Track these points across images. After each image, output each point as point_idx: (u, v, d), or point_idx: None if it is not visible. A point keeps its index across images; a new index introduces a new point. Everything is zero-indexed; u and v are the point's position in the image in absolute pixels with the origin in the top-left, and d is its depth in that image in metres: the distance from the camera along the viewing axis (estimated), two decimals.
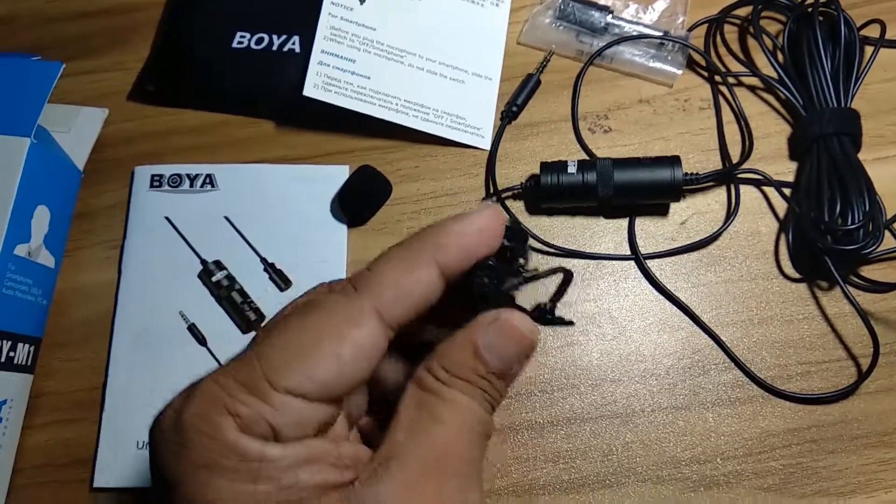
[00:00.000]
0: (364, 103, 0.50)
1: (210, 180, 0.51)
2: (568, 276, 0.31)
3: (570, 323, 0.31)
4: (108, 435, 0.46)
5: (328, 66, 0.50)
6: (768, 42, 0.52)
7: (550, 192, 0.48)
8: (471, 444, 0.28)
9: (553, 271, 0.30)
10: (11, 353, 0.45)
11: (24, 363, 0.46)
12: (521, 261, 0.30)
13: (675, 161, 0.48)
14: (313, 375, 0.26)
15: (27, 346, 0.46)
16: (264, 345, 0.27)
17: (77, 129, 0.52)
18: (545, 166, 0.49)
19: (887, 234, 0.47)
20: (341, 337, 0.27)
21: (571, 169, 0.48)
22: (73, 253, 0.50)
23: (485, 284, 0.29)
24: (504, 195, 0.50)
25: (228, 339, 0.47)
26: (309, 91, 0.49)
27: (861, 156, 0.49)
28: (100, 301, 0.49)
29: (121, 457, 0.46)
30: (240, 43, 0.52)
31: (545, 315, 0.30)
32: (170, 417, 0.26)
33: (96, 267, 0.50)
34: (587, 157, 0.51)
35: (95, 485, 0.45)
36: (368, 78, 0.51)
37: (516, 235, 0.30)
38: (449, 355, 0.29)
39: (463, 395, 0.28)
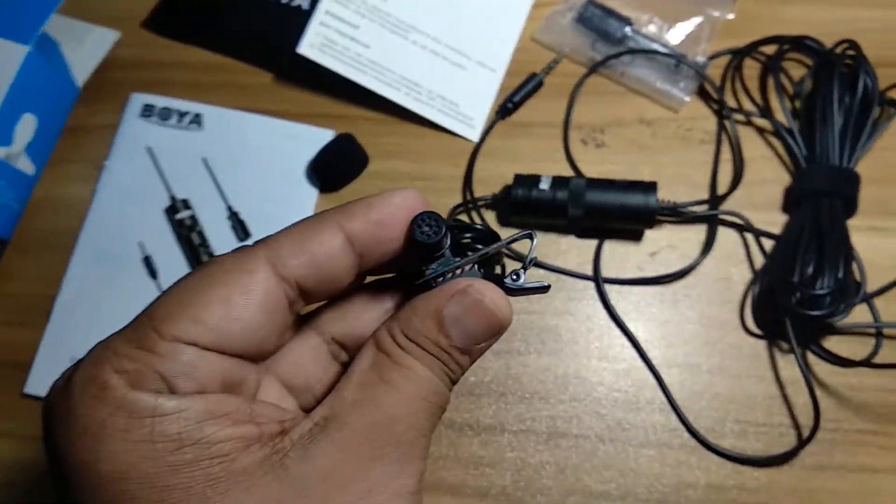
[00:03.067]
0: (357, 71, 0.50)
1: (197, 119, 0.51)
2: (531, 238, 0.29)
3: (545, 289, 0.29)
4: (49, 345, 0.47)
5: (329, 27, 0.50)
6: (787, 85, 0.49)
7: (521, 205, 0.47)
8: (420, 414, 0.26)
9: (512, 239, 0.29)
10: None
11: None
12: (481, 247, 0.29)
13: (650, 187, 0.46)
14: (200, 319, 0.24)
15: None
16: (154, 302, 0.26)
17: (87, 47, 0.54)
18: (518, 179, 0.48)
19: (865, 307, 0.45)
20: (229, 282, 0.25)
21: (544, 185, 0.47)
22: (56, 165, 0.52)
23: (424, 233, 0.27)
24: (479, 203, 0.49)
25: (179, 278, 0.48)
26: (304, 49, 0.49)
27: (856, 221, 0.46)
28: (71, 216, 0.50)
29: (56, 368, 0.47)
30: None
31: (513, 280, 0.28)
32: (58, 389, 0.25)
33: (75, 182, 0.51)
34: (571, 168, 0.50)
35: (26, 391, 0.47)
36: (368, 47, 0.50)
37: (486, 240, 0.29)
38: (411, 321, 0.27)
39: (420, 364, 0.26)
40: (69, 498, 0.23)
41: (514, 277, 0.28)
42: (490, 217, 0.50)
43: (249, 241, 0.47)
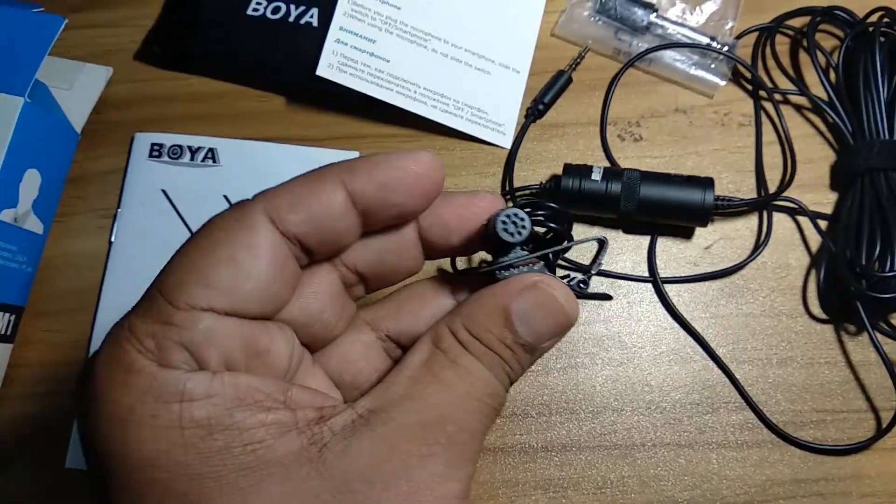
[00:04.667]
0: (381, 88, 0.47)
1: (212, 155, 0.48)
2: (602, 244, 0.28)
3: (608, 297, 0.29)
4: None
5: (346, 44, 0.47)
6: (822, 59, 0.48)
7: (570, 196, 0.45)
8: (473, 415, 0.25)
9: (585, 240, 0.28)
10: None
11: (4, 332, 0.44)
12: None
13: (707, 183, 0.44)
14: (209, 282, 0.23)
15: (8, 315, 0.44)
16: (161, 273, 0.24)
17: (79, 87, 0.50)
18: (568, 168, 0.45)
19: None
20: (232, 241, 0.24)
21: (596, 175, 0.45)
22: (63, 219, 0.48)
23: (509, 232, 0.26)
24: (519, 193, 0.47)
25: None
26: (323, 71, 0.46)
27: None
28: (88, 271, 0.47)
29: None
30: (255, 10, 0.49)
31: (580, 287, 0.28)
32: (85, 378, 0.23)
33: (87, 235, 0.48)
34: (612, 166, 0.48)
35: (68, 465, 0.44)
36: (388, 61, 0.47)
37: (559, 218, 0.28)
38: (475, 316, 0.26)
39: (478, 363, 0.25)
40: (103, 488, 0.22)
41: (583, 286, 0.28)
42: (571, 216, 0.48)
43: None
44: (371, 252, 0.28)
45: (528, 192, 0.47)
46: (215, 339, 0.23)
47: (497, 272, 0.27)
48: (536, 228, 0.28)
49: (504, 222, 0.26)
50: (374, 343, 0.29)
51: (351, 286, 0.29)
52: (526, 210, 0.27)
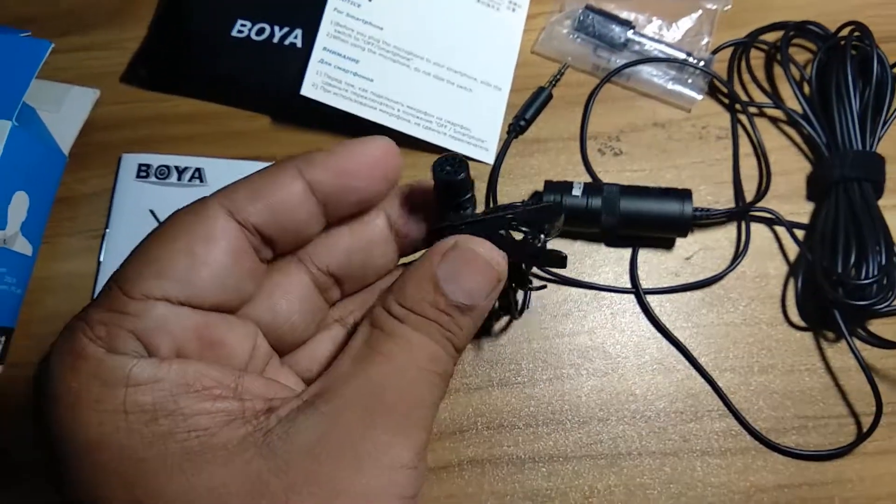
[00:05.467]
0: (364, 107, 0.48)
1: (199, 175, 0.49)
2: (556, 209, 0.29)
3: (562, 260, 0.29)
4: None
5: (329, 65, 0.48)
6: (795, 73, 0.49)
7: None
8: (416, 383, 0.25)
9: (538, 209, 0.29)
10: None
11: None
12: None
13: (685, 195, 0.45)
14: (165, 273, 0.23)
15: None
16: (120, 266, 0.25)
17: (66, 110, 0.50)
18: (549, 185, 0.46)
19: None
20: (189, 233, 0.24)
21: (576, 191, 0.46)
22: (52, 240, 0.49)
23: (446, 171, 0.27)
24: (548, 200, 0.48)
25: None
26: (307, 91, 0.47)
27: (883, 202, 0.46)
28: (77, 292, 0.47)
29: None
30: (240, 31, 0.50)
31: (536, 252, 0.28)
32: (40, 365, 0.24)
33: (75, 256, 0.48)
34: (593, 180, 0.49)
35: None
36: (371, 80, 0.48)
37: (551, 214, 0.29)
38: (405, 289, 0.26)
39: (415, 332, 0.25)
40: (54, 472, 0.23)
41: (530, 248, 0.28)
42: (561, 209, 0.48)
43: None
44: (341, 251, 0.28)
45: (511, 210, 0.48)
46: (167, 328, 0.23)
47: (446, 231, 0.27)
48: (520, 231, 0.29)
49: (441, 164, 0.27)
50: (344, 339, 0.29)
51: (325, 290, 0.29)
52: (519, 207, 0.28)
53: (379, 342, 0.25)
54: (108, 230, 0.48)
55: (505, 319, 0.46)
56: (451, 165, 0.27)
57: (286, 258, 0.28)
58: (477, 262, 0.26)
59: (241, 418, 0.23)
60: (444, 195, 0.28)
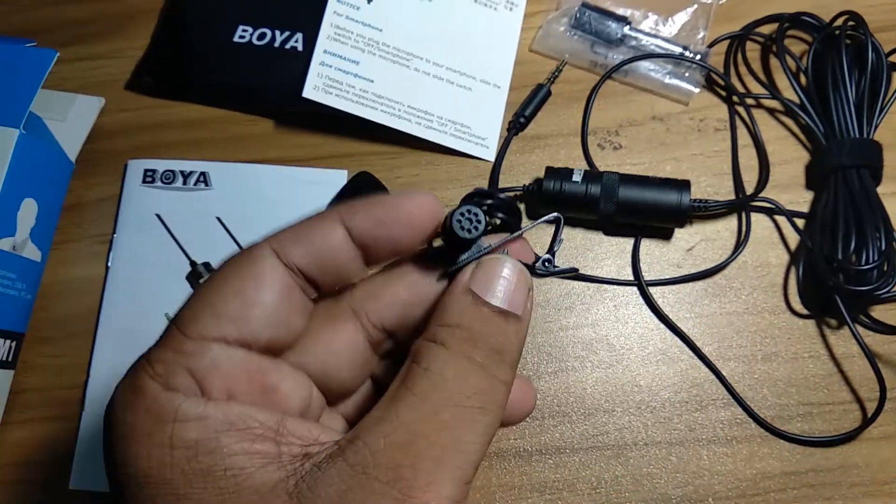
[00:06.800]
0: (366, 108, 0.48)
1: (204, 178, 0.49)
2: (559, 222, 0.29)
3: (574, 270, 0.29)
4: (87, 436, 0.45)
5: (330, 66, 0.48)
6: (791, 63, 0.50)
7: (552, 198, 0.46)
8: (453, 425, 0.23)
9: (542, 221, 0.29)
10: None
11: (4, 359, 0.45)
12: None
13: (684, 185, 0.46)
14: (219, 313, 0.24)
15: (9, 341, 0.45)
16: (178, 310, 0.25)
17: (72, 118, 0.51)
18: (550, 171, 0.47)
19: None
20: (240, 275, 0.25)
21: (576, 177, 0.46)
22: (60, 246, 0.49)
23: (465, 229, 0.27)
24: (504, 195, 0.48)
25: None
26: (309, 93, 0.48)
27: (881, 189, 0.47)
28: (86, 297, 0.48)
29: (99, 459, 0.44)
30: (241, 37, 0.50)
31: (545, 266, 0.28)
32: (106, 405, 0.25)
33: (84, 261, 0.49)
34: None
35: (72, 486, 0.44)
36: (372, 81, 0.49)
37: (510, 210, 0.29)
38: (445, 309, 0.25)
39: (453, 363, 0.24)
40: (114, 501, 0.24)
41: (548, 265, 0.28)
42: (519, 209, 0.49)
43: None
44: (397, 307, 0.28)
45: (511, 193, 0.49)
46: (221, 368, 0.24)
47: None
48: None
49: (459, 220, 0.27)
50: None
51: (378, 343, 0.29)
52: (478, 203, 0.28)
53: (413, 380, 0.24)
54: (115, 235, 0.49)
55: None
56: (471, 221, 0.27)
57: (342, 308, 0.28)
58: (502, 267, 0.26)
59: (277, 462, 0.23)
60: (457, 247, 0.28)
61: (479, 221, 0.27)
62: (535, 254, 0.29)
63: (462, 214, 0.27)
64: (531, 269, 0.28)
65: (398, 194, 0.27)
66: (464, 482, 0.23)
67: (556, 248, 0.29)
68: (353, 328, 0.28)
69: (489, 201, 0.29)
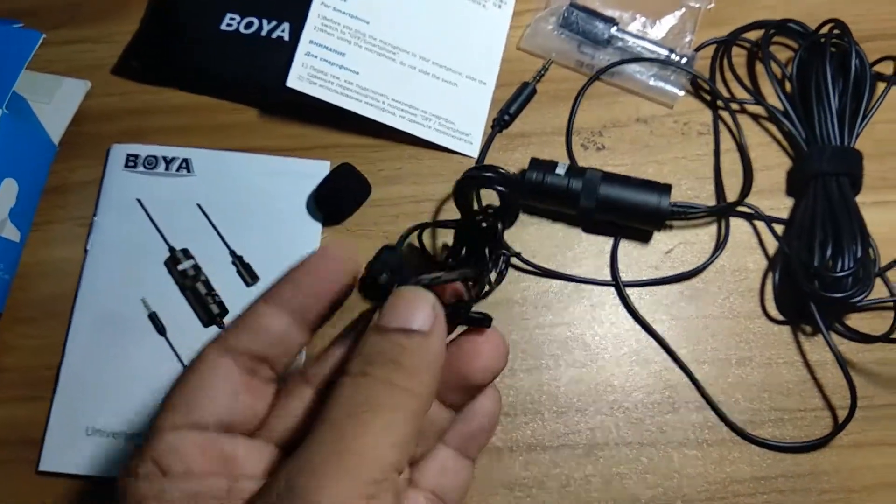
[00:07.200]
0: (349, 99, 0.48)
1: (186, 165, 0.49)
2: (473, 276, 0.31)
3: (485, 320, 0.30)
4: (59, 418, 0.45)
5: (315, 57, 0.48)
6: (776, 70, 0.50)
7: (533, 188, 0.47)
8: (346, 433, 0.26)
9: (460, 274, 0.31)
10: None
11: None
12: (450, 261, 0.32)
13: (664, 189, 0.46)
14: (173, 405, 0.29)
15: None
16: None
17: (57, 101, 0.51)
18: (534, 162, 0.47)
19: (879, 282, 0.45)
20: (190, 372, 0.30)
21: (560, 171, 0.46)
22: (41, 227, 0.49)
23: (385, 280, 0.30)
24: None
25: (189, 331, 0.46)
26: (293, 82, 0.48)
27: (860, 198, 0.47)
28: (65, 279, 0.48)
29: (69, 442, 0.44)
30: (229, 25, 0.51)
31: (459, 311, 0.30)
32: None
33: (64, 243, 0.49)
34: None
35: (41, 468, 0.44)
36: (357, 73, 0.49)
37: (505, 181, 0.32)
38: (359, 349, 0.28)
39: (348, 380, 0.27)
40: None
41: (459, 311, 0.30)
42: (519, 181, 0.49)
43: (258, 285, 0.47)
44: (336, 366, 0.31)
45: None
46: (178, 450, 0.28)
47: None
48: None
49: (375, 276, 0.30)
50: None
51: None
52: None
53: (322, 412, 0.27)
54: (95, 218, 0.49)
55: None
56: (385, 272, 0.30)
57: (294, 379, 0.31)
58: (404, 293, 0.28)
59: None
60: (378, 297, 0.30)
61: (396, 268, 0.30)
62: (464, 297, 0.31)
63: (376, 268, 0.30)
64: (454, 308, 0.30)
65: (311, 254, 0.31)
66: (365, 481, 0.25)
67: (477, 299, 0.31)
68: (309, 394, 0.31)
69: (488, 174, 0.32)
